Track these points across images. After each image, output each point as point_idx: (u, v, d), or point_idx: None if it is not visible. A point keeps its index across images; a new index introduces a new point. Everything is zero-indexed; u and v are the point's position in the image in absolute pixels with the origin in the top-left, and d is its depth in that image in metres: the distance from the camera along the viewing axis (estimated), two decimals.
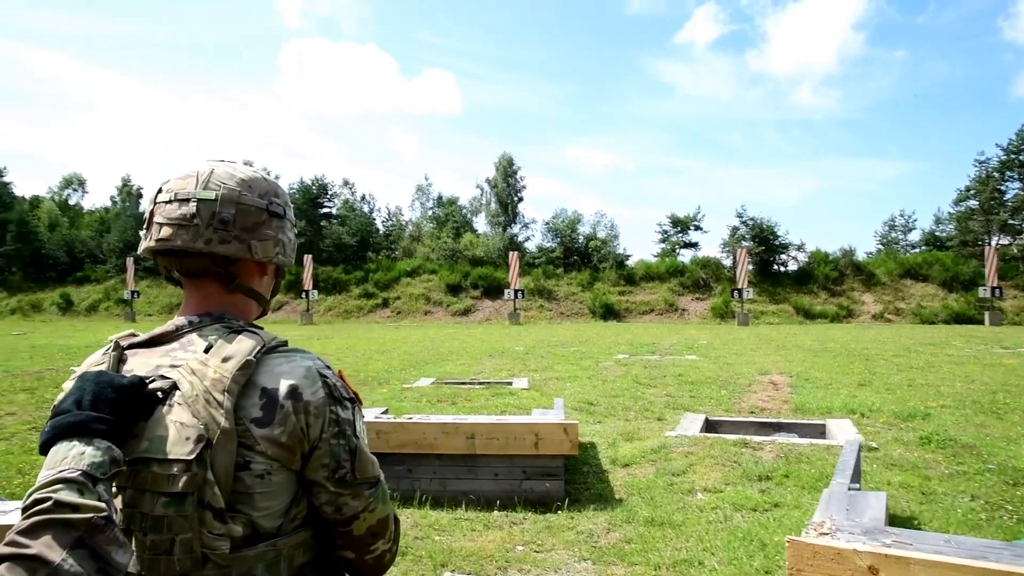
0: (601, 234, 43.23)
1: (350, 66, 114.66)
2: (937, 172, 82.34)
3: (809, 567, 2.32)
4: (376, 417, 5.49)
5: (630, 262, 41.70)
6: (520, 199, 50.23)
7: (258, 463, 1.01)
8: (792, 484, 5.20)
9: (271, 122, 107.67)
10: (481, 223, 52.12)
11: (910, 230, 43.11)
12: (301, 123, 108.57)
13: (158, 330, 1.14)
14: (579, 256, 41.89)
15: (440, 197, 55.37)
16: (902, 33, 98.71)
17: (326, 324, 34.21)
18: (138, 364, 1.09)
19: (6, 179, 53.81)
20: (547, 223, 44.89)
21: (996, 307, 29.28)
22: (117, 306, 39.92)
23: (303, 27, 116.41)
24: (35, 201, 57.02)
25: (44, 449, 0.92)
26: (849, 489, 3.47)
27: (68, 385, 1.02)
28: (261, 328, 1.15)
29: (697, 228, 42.76)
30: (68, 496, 0.82)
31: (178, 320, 1.15)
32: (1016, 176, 36.40)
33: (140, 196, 55.20)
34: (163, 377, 1.05)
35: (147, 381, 1.02)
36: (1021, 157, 35.95)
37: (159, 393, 1.02)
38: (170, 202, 1.12)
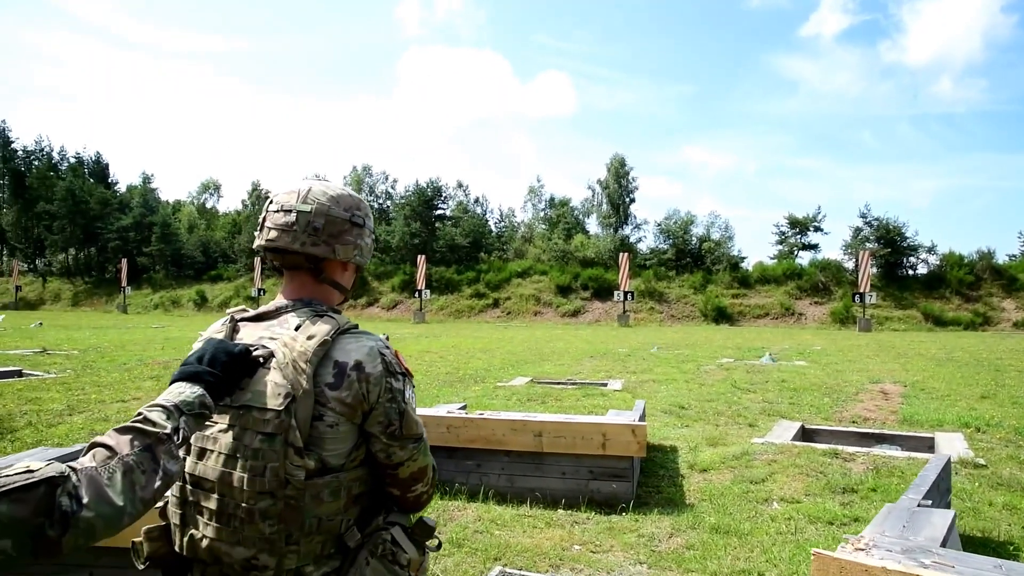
0: (715, 235, 42.07)
1: (466, 71, 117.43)
2: None
3: None
4: (448, 412, 5.59)
5: (745, 264, 40.31)
6: (632, 200, 49.66)
7: (329, 416, 1.31)
8: (879, 498, 4.88)
9: (390, 127, 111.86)
10: (592, 224, 51.97)
11: None
12: (418, 127, 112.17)
13: (263, 308, 1.47)
14: (692, 258, 40.90)
15: (552, 198, 55.67)
16: None
17: (437, 323, 35.11)
18: (247, 334, 1.42)
19: (153, 185, 58.78)
20: (659, 224, 44.16)
21: None
22: (246, 302, 42.52)
23: (422, 35, 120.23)
24: (177, 205, 61.95)
25: (172, 384, 1.23)
26: (919, 505, 3.24)
27: (196, 346, 1.34)
28: (339, 313, 1.47)
29: (817, 229, 40.82)
30: (154, 415, 1.10)
31: (279, 302, 1.47)
32: None
33: (268, 200, 58.80)
34: (264, 347, 1.35)
35: (252, 349, 1.32)
36: None
37: (261, 359, 1.32)
38: (278, 211, 1.45)
